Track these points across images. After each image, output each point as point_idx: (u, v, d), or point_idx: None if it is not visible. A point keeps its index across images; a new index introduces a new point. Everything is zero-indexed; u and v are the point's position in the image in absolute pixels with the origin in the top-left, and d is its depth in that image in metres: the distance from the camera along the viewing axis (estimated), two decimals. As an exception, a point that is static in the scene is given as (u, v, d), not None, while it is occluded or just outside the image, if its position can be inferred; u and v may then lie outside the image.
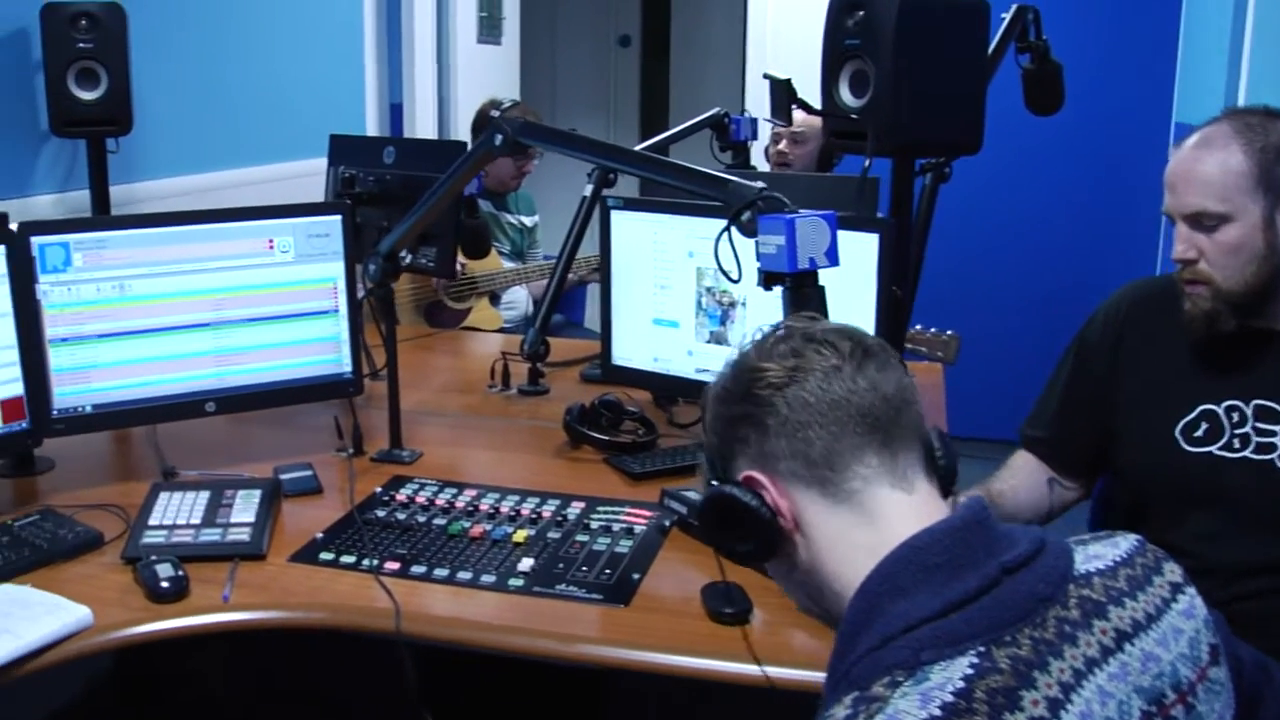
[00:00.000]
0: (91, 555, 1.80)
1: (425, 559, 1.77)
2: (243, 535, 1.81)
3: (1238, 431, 1.81)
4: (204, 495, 1.94)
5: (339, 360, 2.25)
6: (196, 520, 1.86)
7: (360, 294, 2.26)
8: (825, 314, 1.45)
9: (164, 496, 1.93)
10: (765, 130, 3.76)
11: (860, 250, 1.91)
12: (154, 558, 1.70)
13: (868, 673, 0.94)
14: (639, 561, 1.77)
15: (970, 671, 0.91)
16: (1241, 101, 3.78)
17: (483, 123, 3.98)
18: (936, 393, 2.65)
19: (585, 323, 4.48)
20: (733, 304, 2.18)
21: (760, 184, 1.53)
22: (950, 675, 0.90)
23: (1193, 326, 1.81)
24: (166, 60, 3.35)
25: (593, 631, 1.60)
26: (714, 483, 1.14)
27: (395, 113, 4.83)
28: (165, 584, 1.65)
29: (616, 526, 1.89)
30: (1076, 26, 4.52)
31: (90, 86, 2.88)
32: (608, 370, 2.39)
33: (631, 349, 2.35)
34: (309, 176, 3.48)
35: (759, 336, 1.16)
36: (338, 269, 2.22)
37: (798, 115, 3.11)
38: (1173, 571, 1.11)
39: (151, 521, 1.85)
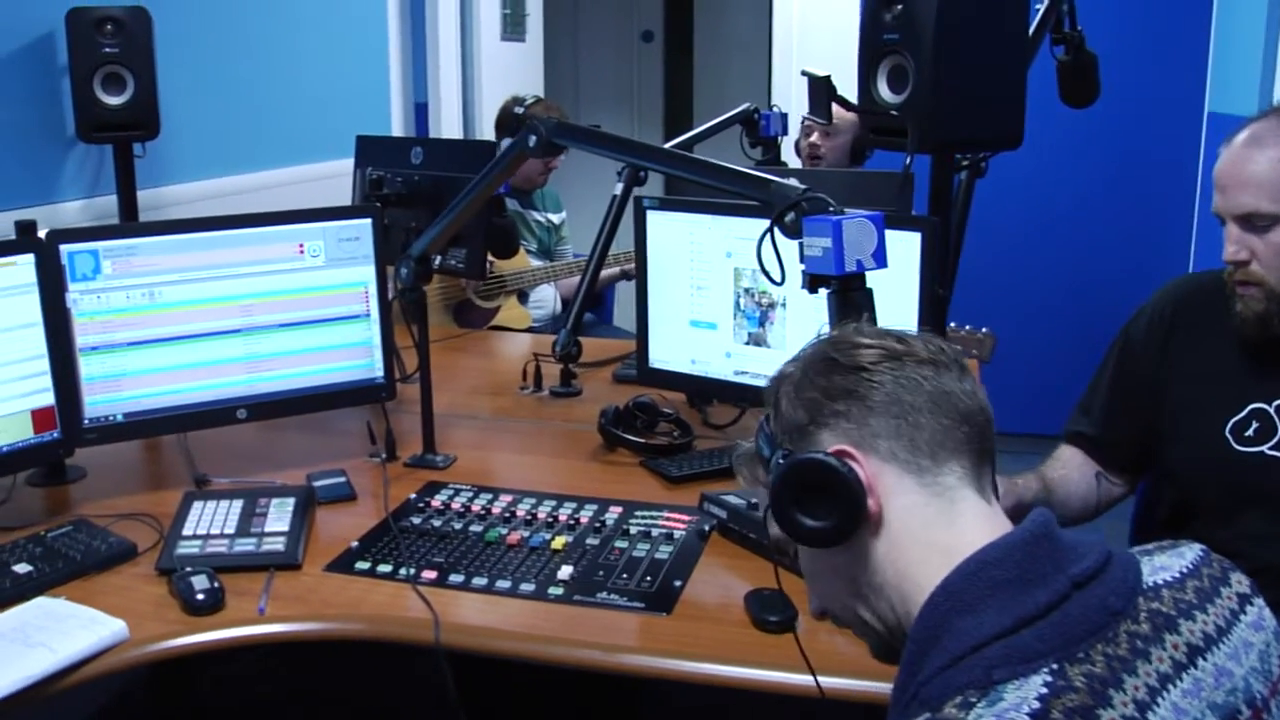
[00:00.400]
0: (125, 566, 1.78)
1: (463, 567, 1.75)
2: (277, 545, 1.79)
3: None
4: (237, 504, 1.92)
5: (371, 365, 2.23)
6: (230, 530, 1.84)
7: (389, 296, 2.24)
8: (874, 318, 1.42)
9: (197, 506, 1.92)
10: (795, 125, 3.72)
11: (902, 249, 1.87)
12: (189, 569, 1.68)
13: (939, 693, 0.91)
14: (680, 568, 1.74)
15: (1045, 690, 0.87)
16: (1279, 92, 3.72)
17: (507, 121, 3.95)
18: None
19: (615, 321, 4.46)
20: (772, 305, 2.14)
21: (802, 185, 1.49)
22: (1025, 695, 0.87)
23: (1245, 329, 1.77)
24: (191, 63, 3.34)
25: (636, 641, 1.58)
26: (782, 458, 1.06)
27: (420, 112, 4.81)
28: (201, 596, 1.63)
29: (655, 532, 1.86)
30: (1105, 16, 4.46)
31: (116, 91, 2.86)
32: (644, 373, 2.36)
33: (669, 351, 2.32)
34: (335, 178, 3.47)
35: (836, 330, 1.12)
36: (369, 273, 2.20)
37: (828, 108, 3.07)
38: (1240, 582, 1.07)
39: (185, 532, 1.84)
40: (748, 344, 2.19)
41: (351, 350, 2.21)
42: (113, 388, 2.04)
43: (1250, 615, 1.05)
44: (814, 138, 3.79)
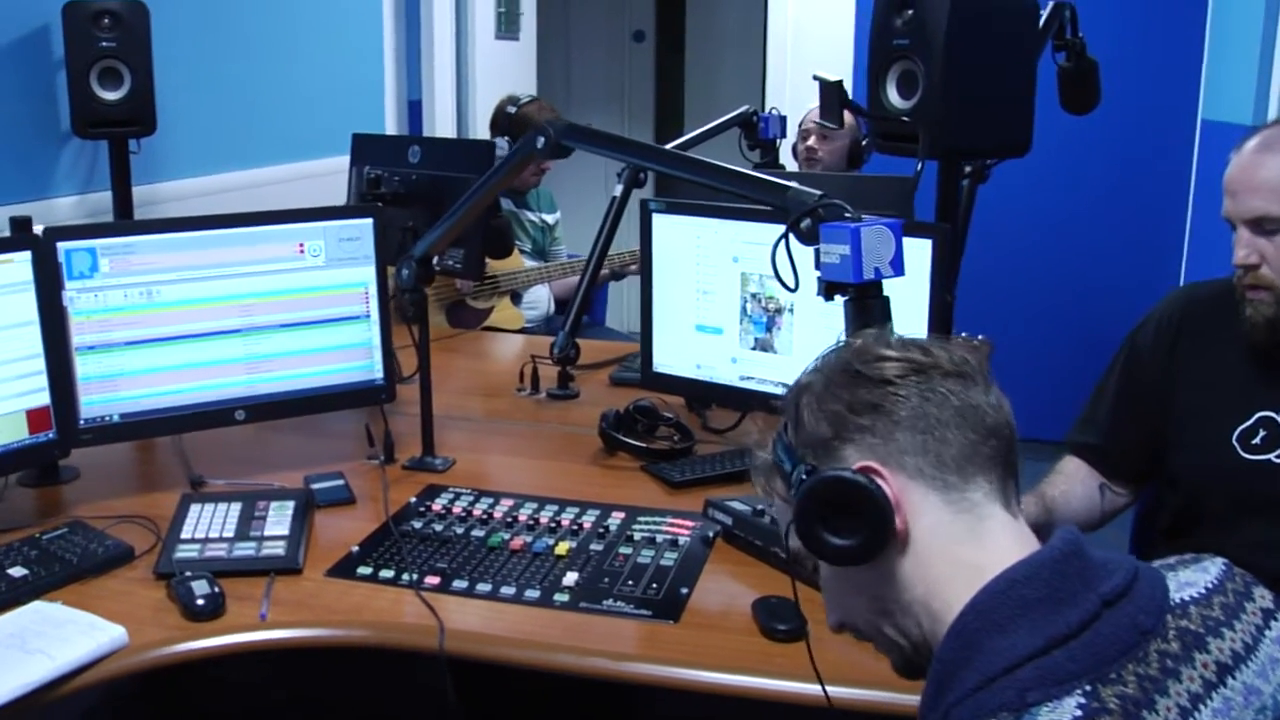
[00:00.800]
0: (122, 570, 1.76)
1: (466, 573, 1.72)
2: (278, 549, 1.77)
3: None
4: (236, 507, 1.90)
5: (370, 366, 2.21)
6: (229, 534, 1.82)
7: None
8: (890, 326, 1.40)
9: (195, 509, 1.89)
10: (792, 129, 3.71)
11: (913, 256, 1.85)
12: (188, 574, 1.66)
13: (971, 715, 0.89)
14: (685, 575, 1.73)
15: (1079, 713, 0.86)
16: (1273, 100, 3.73)
17: (501, 120, 3.93)
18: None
19: (606, 321, 4.44)
20: (779, 310, 2.12)
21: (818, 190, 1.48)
22: (1059, 717, 0.86)
23: (1254, 334, 1.77)
24: (185, 59, 3.30)
25: (644, 649, 1.56)
26: (806, 474, 1.04)
27: (414, 109, 4.78)
28: (201, 601, 1.60)
29: (660, 538, 1.84)
30: (1099, 23, 4.45)
31: (113, 86, 2.83)
32: (648, 377, 2.33)
33: (673, 356, 2.30)
34: (328, 175, 3.45)
35: (857, 339, 1.10)
36: (369, 273, 2.18)
37: (827, 111, 3.05)
38: (1263, 597, 1.06)
39: (184, 535, 1.81)
40: (754, 349, 2.17)
41: (351, 351, 2.19)
42: (109, 388, 2.01)
43: (1275, 631, 1.04)
44: (811, 141, 3.78)
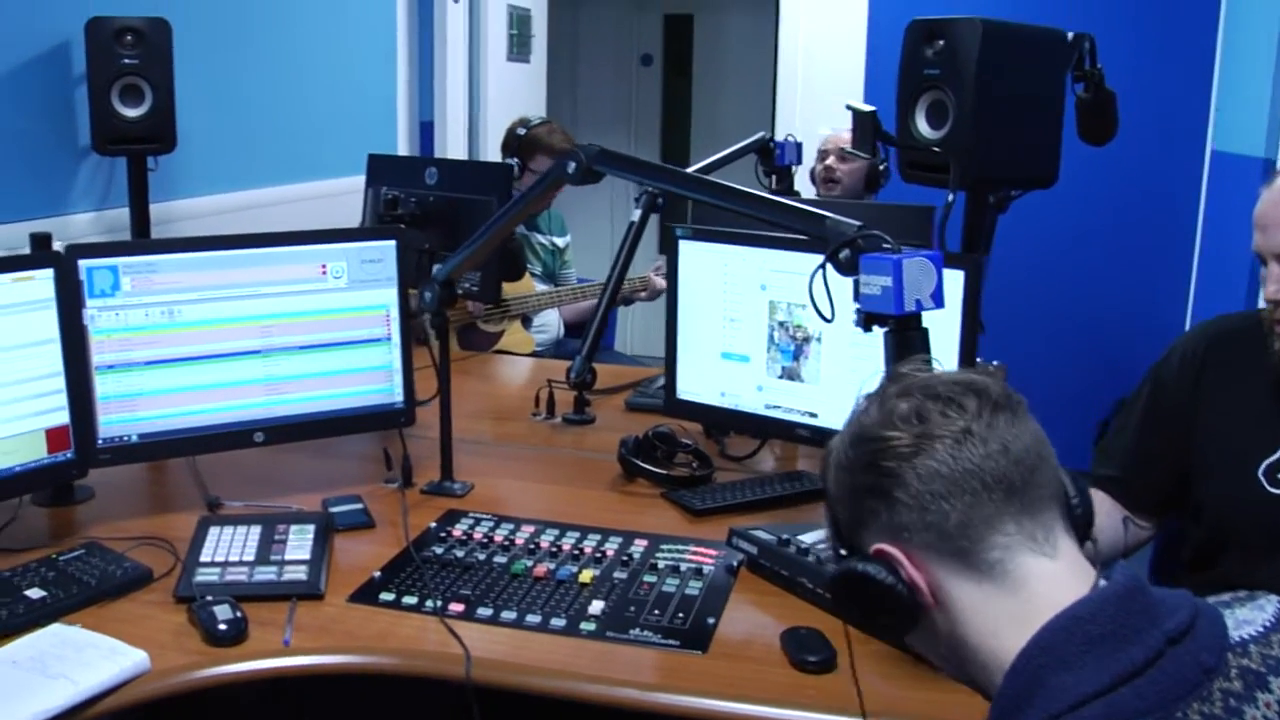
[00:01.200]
0: (140, 593, 1.73)
1: (490, 600, 1.71)
2: (299, 574, 1.75)
3: None
4: (255, 530, 1.88)
5: (390, 390, 2.19)
6: (250, 557, 1.79)
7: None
8: (929, 358, 1.39)
9: (214, 531, 1.87)
10: (809, 154, 3.71)
11: (946, 288, 1.84)
12: (209, 598, 1.63)
13: (1038, 755, 0.88)
14: (711, 604, 1.71)
15: (1149, 754, 0.85)
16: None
17: (512, 142, 3.93)
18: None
19: (616, 346, 4.43)
20: (807, 339, 2.11)
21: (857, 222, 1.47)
22: (1129, 758, 0.85)
23: None
24: (203, 77, 3.30)
25: (673, 680, 1.53)
26: (842, 553, 1.09)
27: (426, 130, 4.79)
28: (223, 626, 1.58)
29: (684, 566, 1.82)
30: (1109, 55, 4.46)
31: (134, 103, 2.82)
32: (671, 403, 2.32)
33: (698, 383, 2.28)
34: (341, 195, 3.44)
35: (875, 391, 1.10)
36: (391, 295, 2.16)
37: (844, 133, 3.05)
38: (1317, 634, 1.05)
39: (203, 558, 1.79)
40: (781, 378, 2.16)
41: (371, 374, 2.17)
42: (128, 407, 1.99)
43: (1332, 669, 1.02)
44: (830, 161, 3.78)
